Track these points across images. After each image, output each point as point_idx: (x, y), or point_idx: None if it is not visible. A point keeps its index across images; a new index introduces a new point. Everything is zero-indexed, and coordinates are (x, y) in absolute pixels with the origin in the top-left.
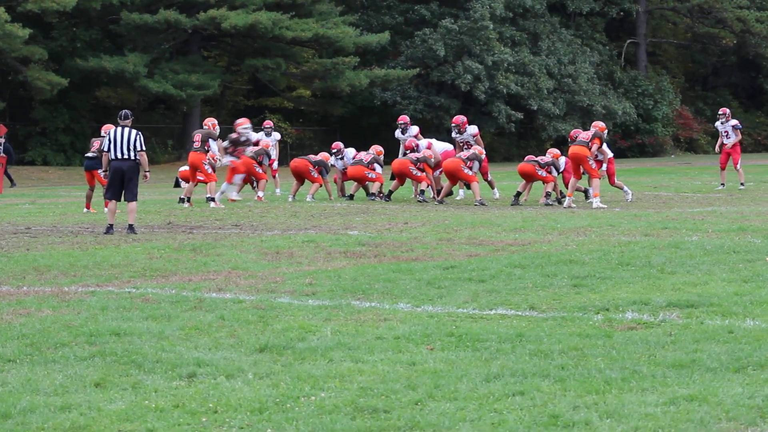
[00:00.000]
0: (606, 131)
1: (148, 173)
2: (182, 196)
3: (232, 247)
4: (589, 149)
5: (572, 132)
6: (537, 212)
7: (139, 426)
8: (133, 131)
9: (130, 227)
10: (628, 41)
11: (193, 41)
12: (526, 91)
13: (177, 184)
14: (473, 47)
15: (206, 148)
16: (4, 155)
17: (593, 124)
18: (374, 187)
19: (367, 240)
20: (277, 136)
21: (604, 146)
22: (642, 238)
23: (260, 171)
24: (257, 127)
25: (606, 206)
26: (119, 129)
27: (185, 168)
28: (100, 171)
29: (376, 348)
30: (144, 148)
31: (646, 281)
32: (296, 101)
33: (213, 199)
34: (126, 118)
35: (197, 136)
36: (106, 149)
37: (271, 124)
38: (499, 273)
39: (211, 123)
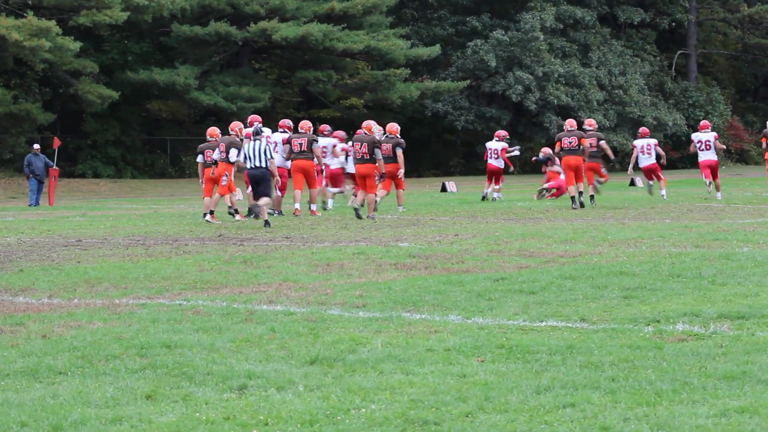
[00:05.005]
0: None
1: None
2: (230, 210)
3: (283, 260)
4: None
5: None
6: (588, 224)
7: None
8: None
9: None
10: (679, 52)
11: (243, 53)
12: (576, 102)
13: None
14: (524, 58)
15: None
16: (57, 168)
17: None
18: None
19: (418, 252)
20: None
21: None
22: (693, 250)
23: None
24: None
25: None
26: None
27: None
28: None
29: (426, 360)
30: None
31: (696, 293)
32: (347, 112)
33: (237, 212)
34: (257, 133)
35: (222, 146)
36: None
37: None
38: (549, 285)
39: (238, 128)
